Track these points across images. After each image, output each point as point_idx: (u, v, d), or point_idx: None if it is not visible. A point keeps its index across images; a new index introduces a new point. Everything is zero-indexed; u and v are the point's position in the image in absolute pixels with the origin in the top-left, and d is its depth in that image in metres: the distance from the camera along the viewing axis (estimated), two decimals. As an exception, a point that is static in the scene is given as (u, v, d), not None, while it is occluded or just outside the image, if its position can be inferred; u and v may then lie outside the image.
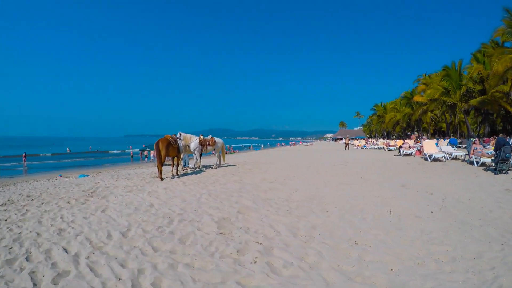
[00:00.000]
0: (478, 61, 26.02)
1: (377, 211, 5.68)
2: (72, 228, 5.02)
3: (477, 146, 12.46)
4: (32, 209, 6.41)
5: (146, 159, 27.69)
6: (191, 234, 4.56)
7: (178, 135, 12.20)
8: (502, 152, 9.79)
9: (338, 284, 3.04)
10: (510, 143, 10.65)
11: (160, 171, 10.50)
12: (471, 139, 17.29)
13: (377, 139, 58.43)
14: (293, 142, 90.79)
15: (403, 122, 54.69)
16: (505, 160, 9.82)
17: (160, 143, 10.53)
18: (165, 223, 5.14)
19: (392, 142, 29.74)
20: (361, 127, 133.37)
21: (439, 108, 29.39)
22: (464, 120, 39.40)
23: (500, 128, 27.97)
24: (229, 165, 14.83)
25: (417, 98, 35.45)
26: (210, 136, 13.90)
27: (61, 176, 14.30)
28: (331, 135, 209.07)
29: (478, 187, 7.78)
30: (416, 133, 46.70)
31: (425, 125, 51.89)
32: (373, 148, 33.72)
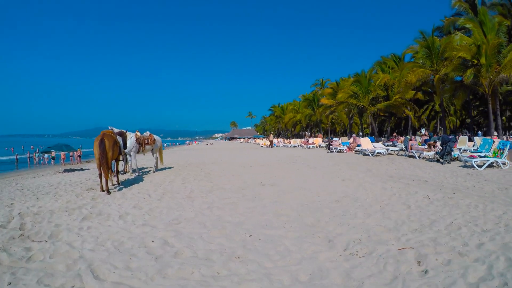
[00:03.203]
0: (383, 71, 31.75)
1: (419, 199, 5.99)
2: None
3: (414, 142, 15.10)
4: None
5: (53, 161, 24.51)
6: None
7: (117, 131, 9.85)
8: (448, 146, 12.22)
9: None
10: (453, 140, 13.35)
11: (106, 181, 7.79)
12: (407, 136, 20.88)
13: (287, 138, 63.44)
14: (189, 142, 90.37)
15: (304, 122, 60.87)
16: (449, 153, 12.29)
17: (106, 141, 8.08)
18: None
19: (310, 140, 32.83)
20: (253, 127, 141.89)
21: (351, 111, 34.16)
22: (358, 122, 47.03)
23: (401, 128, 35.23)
24: (168, 168, 13.46)
25: (324, 101, 40.04)
26: (148, 133, 12.18)
27: None
28: (220, 134, 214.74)
29: (444, 172, 10.10)
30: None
31: (322, 125, 59.10)
32: (287, 147, 36.39)
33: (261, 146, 41.95)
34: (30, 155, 26.81)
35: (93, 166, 16.75)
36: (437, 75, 22.10)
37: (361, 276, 3.03)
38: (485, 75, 19.05)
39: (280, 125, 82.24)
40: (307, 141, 32.85)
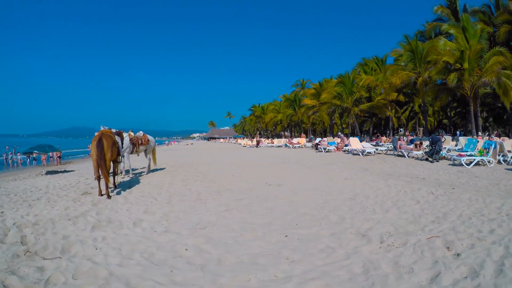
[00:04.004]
0: (365, 73, 33.17)
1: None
2: None
3: (402, 142, 16.11)
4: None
5: (34, 162, 23.92)
6: None
7: (114, 131, 9.67)
8: (437, 146, 13.24)
9: None
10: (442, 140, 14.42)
11: (106, 184, 7.52)
12: (396, 136, 21.98)
13: (268, 138, 64.22)
14: (168, 142, 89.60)
15: (285, 122, 61.95)
16: (438, 152, 13.31)
17: (104, 141, 7.82)
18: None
19: (295, 140, 33.66)
20: (232, 127, 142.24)
21: (334, 111, 35.41)
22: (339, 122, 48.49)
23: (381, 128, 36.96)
24: (160, 169, 13.33)
25: (307, 101, 41.15)
26: (142, 133, 12.00)
27: None
28: (198, 134, 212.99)
29: (437, 170, 10.94)
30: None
31: (303, 125, 60.37)
32: (271, 146, 36.96)
33: (243, 146, 42.01)
34: (8, 156, 25.84)
35: (77, 168, 16.51)
36: (420, 78, 23.56)
37: (407, 263, 3.42)
38: (467, 79, 20.57)
39: (260, 125, 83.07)
40: (292, 141, 33.63)
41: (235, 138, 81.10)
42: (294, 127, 65.49)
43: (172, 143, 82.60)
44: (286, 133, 77.14)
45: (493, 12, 25.61)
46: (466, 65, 20.58)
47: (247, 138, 69.87)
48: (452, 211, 5.50)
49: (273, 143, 39.31)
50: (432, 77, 23.08)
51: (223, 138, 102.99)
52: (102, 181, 7.68)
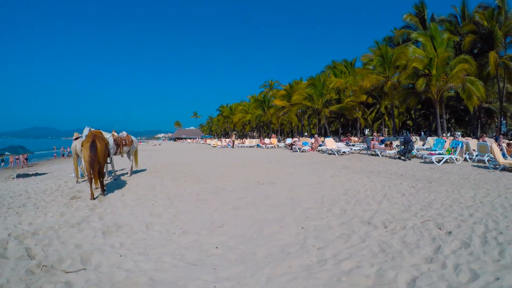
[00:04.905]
0: (335, 75, 34.92)
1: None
2: None
3: (375, 142, 17.46)
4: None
5: (3, 163, 22.83)
6: None
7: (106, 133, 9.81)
8: (409, 145, 14.62)
9: None
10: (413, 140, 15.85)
11: (102, 186, 7.88)
12: (370, 136, 23.39)
13: (238, 138, 64.74)
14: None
15: (254, 123, 62.91)
16: (410, 151, 14.70)
17: (98, 144, 7.87)
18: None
19: (267, 140, 34.56)
20: (198, 127, 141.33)
21: (305, 112, 36.90)
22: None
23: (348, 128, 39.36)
24: (142, 170, 13.55)
25: (277, 102, 42.27)
26: (125, 133, 12.03)
27: None
28: (163, 134, 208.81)
29: (411, 167, 12.17)
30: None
31: (272, 125, 61.65)
32: (242, 147, 37.40)
33: (213, 146, 41.76)
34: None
35: (48, 170, 16.04)
36: (389, 82, 25.50)
37: (412, 241, 4.24)
38: (435, 84, 22.70)
39: (228, 126, 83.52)
40: (264, 141, 34.45)
41: (203, 139, 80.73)
42: (262, 128, 66.75)
43: (139, 143, 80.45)
44: (253, 133, 78.21)
45: (459, 22, 28.30)
46: (434, 72, 22.71)
47: (216, 138, 69.99)
48: (435, 201, 6.49)
49: (244, 143, 39.52)
50: (401, 82, 25.12)
51: (191, 138, 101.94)
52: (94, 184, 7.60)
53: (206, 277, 3.44)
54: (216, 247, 4.35)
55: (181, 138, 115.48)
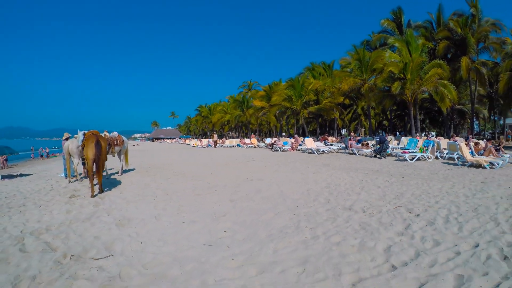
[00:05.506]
0: (314, 77, 36.23)
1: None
2: None
3: (353, 142, 18.57)
4: None
5: None
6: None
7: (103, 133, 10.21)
8: (384, 145, 15.78)
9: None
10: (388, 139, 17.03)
11: (100, 184, 8.20)
12: (347, 136, 24.51)
13: (220, 138, 65.08)
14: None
15: (232, 123, 63.53)
16: (385, 150, 15.87)
17: (102, 143, 8.22)
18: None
19: (247, 140, 35.31)
20: (176, 127, 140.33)
21: (284, 113, 38.03)
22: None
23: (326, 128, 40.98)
24: (131, 170, 13.80)
25: (257, 103, 43.14)
26: (117, 133, 12.30)
27: None
28: (140, 134, 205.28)
29: (386, 164, 13.34)
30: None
31: (251, 126, 62.54)
32: (222, 146, 37.78)
33: (193, 146, 41.83)
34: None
35: (32, 171, 16.05)
36: (366, 84, 27.00)
37: (387, 221, 5.18)
38: (409, 87, 24.35)
39: (207, 126, 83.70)
40: (245, 141, 35.19)
41: (182, 139, 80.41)
42: (241, 128, 67.49)
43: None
44: (232, 133, 78.84)
45: (434, 28, 30.27)
46: (408, 76, 24.37)
47: (195, 138, 70.03)
48: (406, 192, 7.51)
49: (224, 143, 39.86)
50: (378, 84, 26.66)
51: (169, 138, 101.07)
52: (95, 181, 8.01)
53: (222, 253, 4.05)
54: (225, 231, 4.95)
55: (159, 138, 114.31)
